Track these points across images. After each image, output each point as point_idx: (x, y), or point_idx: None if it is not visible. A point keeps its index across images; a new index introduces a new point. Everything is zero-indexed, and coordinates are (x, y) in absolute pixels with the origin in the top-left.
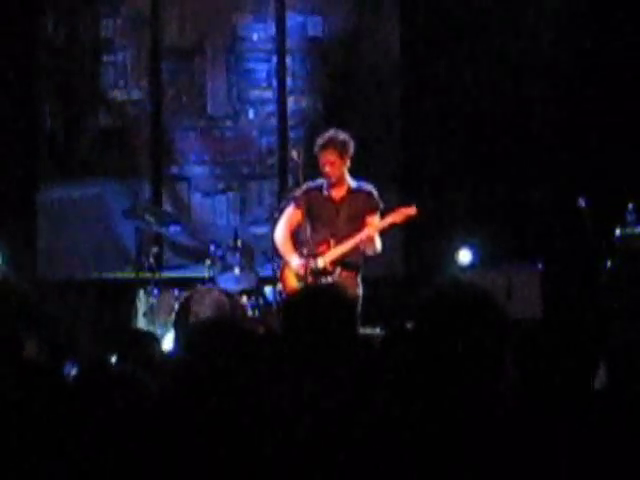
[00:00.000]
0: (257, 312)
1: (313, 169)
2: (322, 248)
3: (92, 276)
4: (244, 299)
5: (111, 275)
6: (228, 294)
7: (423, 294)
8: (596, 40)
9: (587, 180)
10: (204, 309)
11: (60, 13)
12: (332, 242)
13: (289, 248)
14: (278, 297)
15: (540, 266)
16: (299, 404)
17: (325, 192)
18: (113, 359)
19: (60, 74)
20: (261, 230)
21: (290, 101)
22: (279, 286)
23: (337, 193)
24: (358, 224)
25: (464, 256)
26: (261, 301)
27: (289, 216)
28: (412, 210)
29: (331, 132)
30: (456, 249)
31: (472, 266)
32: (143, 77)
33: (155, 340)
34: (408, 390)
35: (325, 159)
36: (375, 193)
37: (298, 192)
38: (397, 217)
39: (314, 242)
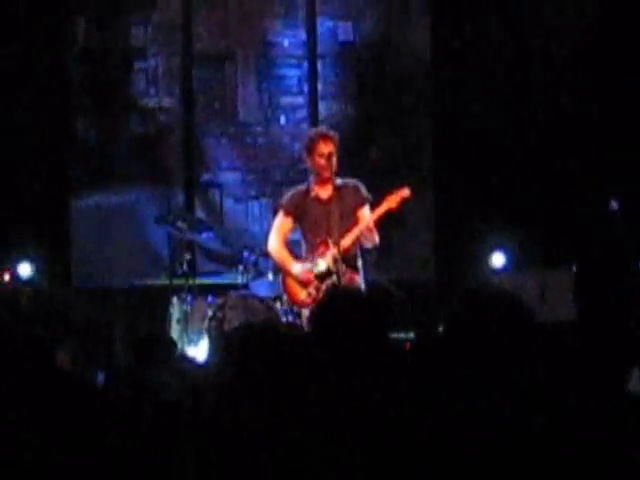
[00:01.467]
0: (290, 318)
1: (344, 173)
2: (321, 249)
3: (126, 283)
4: (277, 305)
5: (145, 282)
6: (261, 300)
7: (453, 299)
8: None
9: (619, 183)
10: (237, 315)
11: (92, 21)
12: (330, 242)
13: (286, 257)
14: (287, 308)
15: (573, 269)
16: (331, 408)
17: (312, 194)
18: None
19: (93, 82)
20: (294, 236)
21: (321, 106)
22: (284, 298)
23: (324, 192)
24: (351, 220)
25: (497, 260)
26: (295, 309)
27: (279, 225)
28: (405, 192)
29: (322, 127)
30: (489, 253)
31: (505, 270)
32: (175, 84)
33: (174, 346)
34: (439, 395)
35: (326, 149)
36: (361, 186)
37: (284, 199)
38: (392, 202)
39: (311, 245)
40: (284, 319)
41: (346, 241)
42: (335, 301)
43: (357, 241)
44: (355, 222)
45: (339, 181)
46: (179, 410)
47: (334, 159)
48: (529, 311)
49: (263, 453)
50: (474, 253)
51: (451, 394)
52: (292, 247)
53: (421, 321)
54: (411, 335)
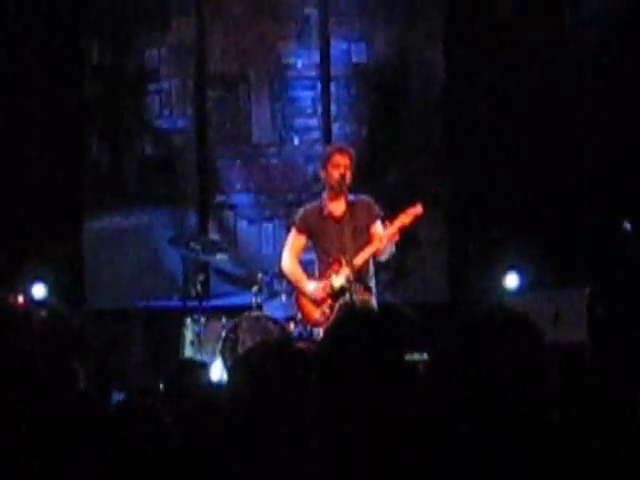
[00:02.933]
0: (304, 339)
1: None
2: (335, 267)
3: (139, 305)
4: (291, 326)
5: (158, 303)
6: (275, 321)
7: (464, 321)
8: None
9: (633, 203)
10: (251, 337)
11: (106, 43)
12: (343, 260)
13: (300, 275)
14: (301, 329)
15: (587, 290)
16: (344, 428)
17: (325, 211)
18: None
19: (106, 104)
20: (307, 256)
21: (335, 128)
22: (298, 318)
23: (337, 209)
24: (364, 237)
25: (511, 281)
26: (308, 327)
27: (292, 242)
28: (419, 209)
29: (338, 143)
30: (503, 274)
31: (519, 290)
32: (188, 106)
33: (203, 368)
34: (452, 416)
35: (342, 162)
36: (373, 202)
37: (297, 216)
38: (406, 219)
39: (324, 263)
40: (297, 340)
41: (359, 260)
42: (349, 322)
43: (370, 260)
44: (368, 238)
45: (351, 197)
46: (197, 429)
47: (348, 174)
48: (540, 332)
49: (278, 472)
50: (488, 274)
51: (464, 415)
52: (305, 266)
53: (435, 343)
54: (424, 357)
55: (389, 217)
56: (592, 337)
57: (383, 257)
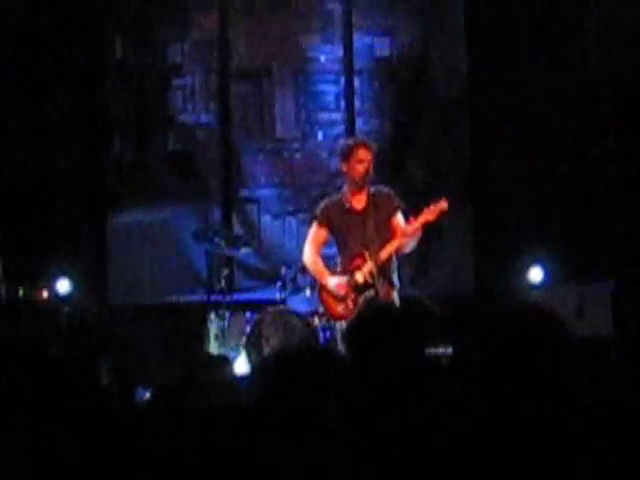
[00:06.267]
0: (328, 333)
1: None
2: (358, 262)
3: (163, 300)
4: (315, 320)
5: (182, 298)
6: (299, 316)
7: (487, 315)
8: None
9: None
10: (275, 332)
11: (129, 39)
12: (367, 254)
13: (322, 269)
14: (325, 324)
15: (611, 284)
16: (368, 425)
17: (346, 205)
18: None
19: (130, 100)
20: (331, 251)
21: (359, 122)
22: (322, 312)
23: (359, 202)
24: (386, 229)
25: (535, 274)
26: (331, 322)
27: (314, 236)
28: (443, 205)
29: (358, 137)
30: (527, 268)
31: (543, 284)
32: (211, 100)
33: (227, 363)
34: (476, 410)
35: (366, 157)
36: (393, 193)
37: (319, 209)
38: (430, 215)
39: (347, 257)
40: (322, 334)
41: (383, 254)
42: (372, 316)
43: (394, 254)
44: (391, 231)
45: (372, 189)
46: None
47: (371, 168)
48: (564, 326)
49: (297, 471)
50: (512, 268)
51: (488, 410)
52: (326, 260)
53: (459, 337)
54: (449, 351)
55: (413, 211)
56: (617, 331)
57: (406, 250)
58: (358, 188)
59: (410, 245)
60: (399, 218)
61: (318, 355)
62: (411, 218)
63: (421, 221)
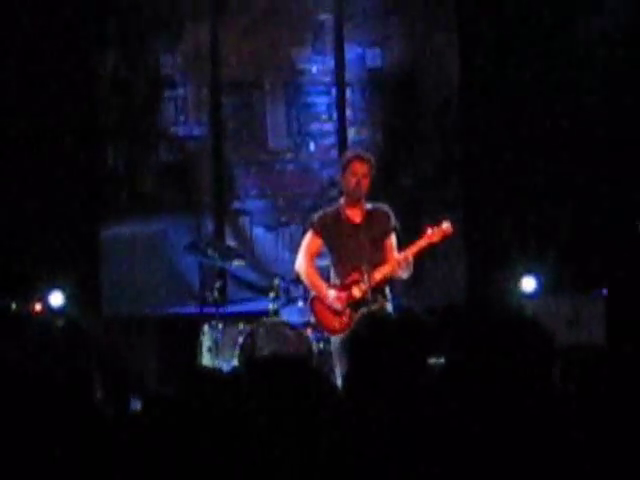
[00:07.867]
0: (322, 345)
1: (374, 198)
2: (355, 277)
3: (156, 312)
4: (308, 332)
5: (175, 310)
6: (292, 327)
7: (476, 325)
8: None
9: None
10: (268, 343)
11: (121, 51)
12: (364, 268)
13: (319, 281)
14: (319, 335)
15: (604, 293)
16: (366, 435)
17: (342, 216)
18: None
19: (121, 111)
20: (324, 262)
21: (351, 133)
22: (312, 319)
23: (355, 215)
24: (380, 246)
25: (528, 284)
26: (325, 334)
27: (308, 245)
28: (448, 228)
29: (358, 150)
30: (520, 277)
31: (536, 294)
32: (203, 112)
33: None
34: (468, 419)
35: (360, 170)
36: (391, 213)
37: (314, 218)
38: (434, 237)
39: (342, 270)
40: (315, 346)
41: (377, 275)
42: (371, 329)
43: (388, 277)
44: (383, 251)
45: (369, 206)
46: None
47: (366, 181)
48: (549, 336)
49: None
50: (505, 278)
51: (480, 418)
52: (319, 272)
53: (452, 347)
54: (442, 361)
55: (412, 236)
56: (610, 340)
57: (404, 274)
58: (353, 201)
59: (405, 274)
60: (392, 240)
61: (291, 366)
62: (407, 249)
63: (424, 244)
